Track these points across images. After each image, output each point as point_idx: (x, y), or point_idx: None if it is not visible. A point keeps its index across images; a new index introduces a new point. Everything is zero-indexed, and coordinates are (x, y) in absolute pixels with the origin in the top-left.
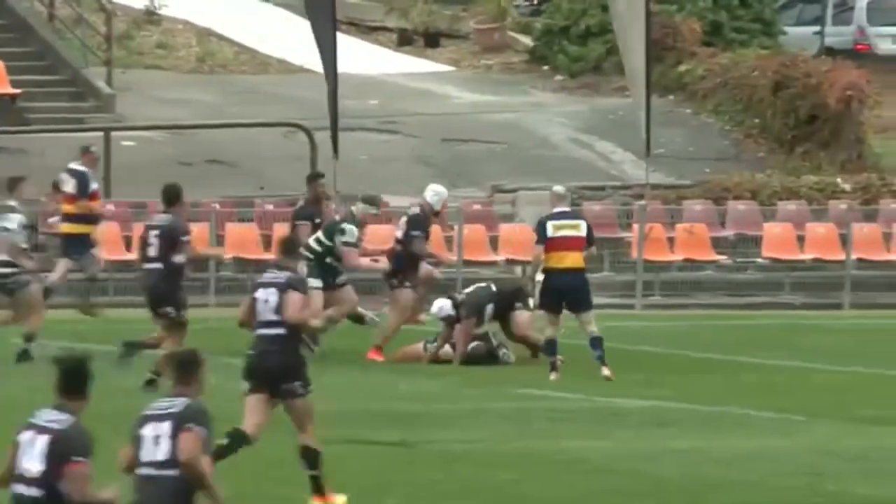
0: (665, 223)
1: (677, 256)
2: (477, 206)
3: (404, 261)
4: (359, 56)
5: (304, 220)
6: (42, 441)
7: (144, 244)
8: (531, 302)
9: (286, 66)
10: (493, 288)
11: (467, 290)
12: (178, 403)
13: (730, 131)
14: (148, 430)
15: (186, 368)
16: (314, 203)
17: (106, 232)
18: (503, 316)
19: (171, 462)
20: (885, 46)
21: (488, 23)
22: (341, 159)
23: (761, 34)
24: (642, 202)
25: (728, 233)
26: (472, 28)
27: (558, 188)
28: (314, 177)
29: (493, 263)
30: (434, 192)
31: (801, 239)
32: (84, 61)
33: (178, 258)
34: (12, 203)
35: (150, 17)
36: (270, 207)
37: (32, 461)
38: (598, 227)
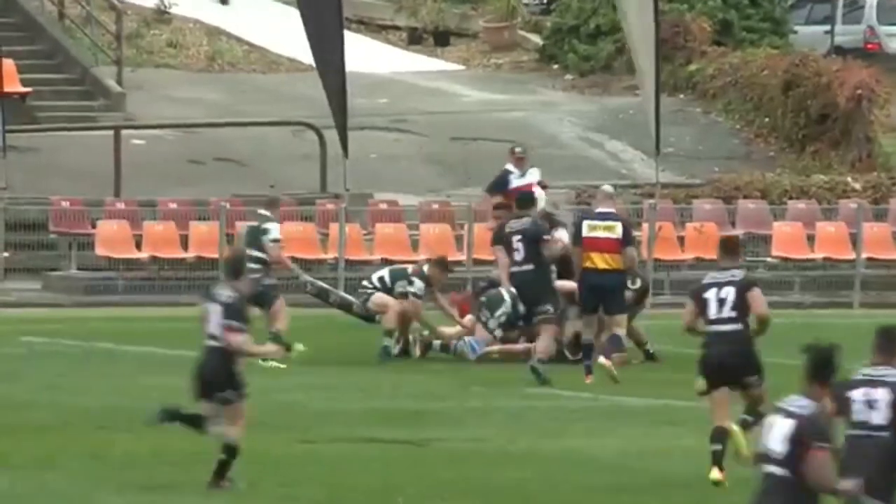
0: (675, 222)
1: (687, 255)
2: (485, 206)
3: None
4: (369, 55)
5: None
6: (787, 425)
7: None
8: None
9: (296, 65)
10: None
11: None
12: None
13: (740, 130)
14: (858, 395)
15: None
16: None
17: (116, 230)
18: None
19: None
20: (895, 45)
21: (498, 21)
22: (350, 157)
23: (771, 33)
24: (652, 201)
25: (738, 232)
26: (482, 27)
27: (607, 187)
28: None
29: None
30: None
31: (811, 238)
32: (94, 60)
33: None
34: None
35: (161, 15)
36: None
37: (777, 442)
38: None
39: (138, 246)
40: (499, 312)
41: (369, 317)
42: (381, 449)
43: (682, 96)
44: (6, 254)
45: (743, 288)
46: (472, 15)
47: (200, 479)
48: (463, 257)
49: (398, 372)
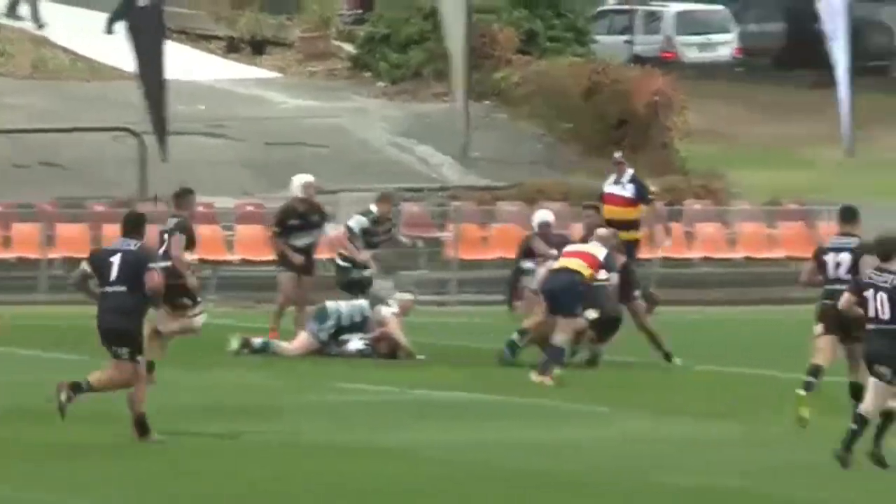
0: (479, 223)
1: (491, 255)
2: None
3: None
4: (189, 63)
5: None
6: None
7: None
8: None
9: (119, 73)
10: None
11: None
12: None
13: (543, 135)
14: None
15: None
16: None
17: None
18: None
19: None
20: (691, 55)
21: (313, 31)
22: (170, 162)
23: (574, 43)
24: (458, 203)
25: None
26: (298, 36)
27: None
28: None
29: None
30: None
31: None
32: None
33: None
34: None
35: None
36: (101, 208)
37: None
38: (416, 227)
39: None
40: (329, 324)
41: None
42: (198, 442)
43: (488, 103)
44: None
45: (857, 255)
46: (288, 25)
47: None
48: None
49: (216, 368)
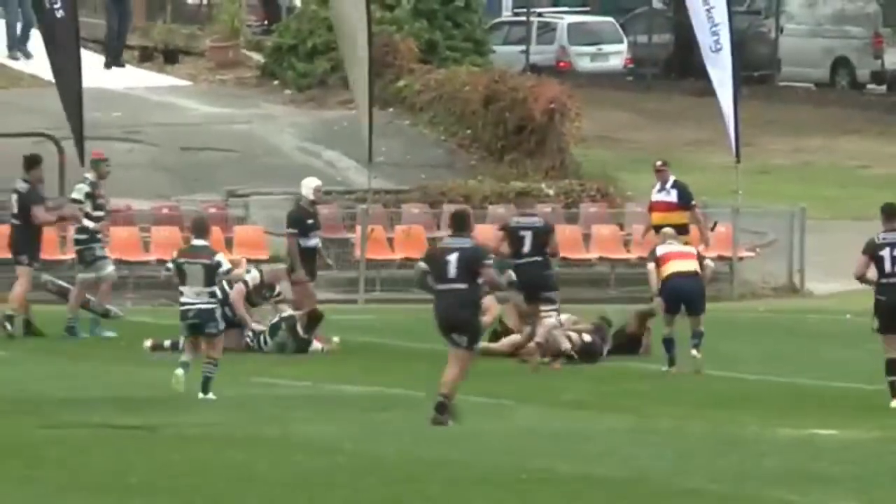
0: (385, 225)
1: (397, 255)
2: (213, 210)
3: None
4: (103, 71)
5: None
6: None
7: None
8: None
9: (37, 81)
10: None
11: None
12: None
13: (444, 141)
14: None
15: None
16: None
17: None
18: None
19: None
20: (584, 64)
21: (223, 41)
22: (87, 166)
23: (473, 52)
24: (364, 206)
25: (443, 233)
26: (208, 46)
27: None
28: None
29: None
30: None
31: None
32: None
33: None
34: None
35: None
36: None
37: None
38: (325, 230)
39: None
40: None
41: (104, 313)
42: (116, 434)
43: (391, 110)
44: None
45: None
46: (199, 35)
47: None
48: None
49: (130, 363)
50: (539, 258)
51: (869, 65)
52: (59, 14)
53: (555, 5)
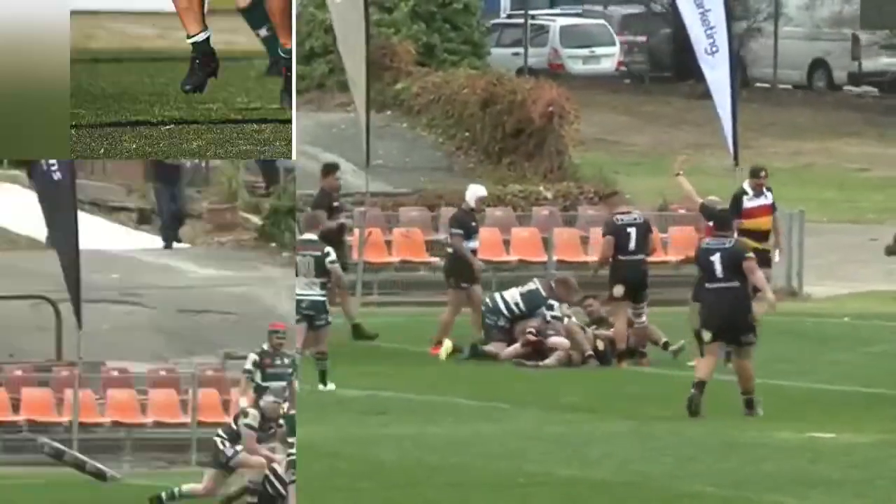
0: (383, 227)
1: (395, 258)
2: (210, 372)
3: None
4: (101, 234)
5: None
6: None
7: None
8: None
9: (35, 244)
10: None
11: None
12: None
13: (442, 144)
14: None
15: None
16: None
17: None
18: None
19: None
20: (576, 67)
21: (221, 203)
22: (85, 329)
23: (471, 55)
24: (362, 208)
25: (441, 236)
26: (206, 208)
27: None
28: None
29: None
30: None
31: (507, 242)
32: None
33: None
34: None
35: None
36: (19, 373)
37: None
38: None
39: None
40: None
41: (101, 474)
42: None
43: (389, 113)
44: None
45: None
46: (196, 198)
47: None
48: (188, 419)
49: None
50: (643, 255)
51: (846, 66)
52: (57, 177)
53: (551, 7)
